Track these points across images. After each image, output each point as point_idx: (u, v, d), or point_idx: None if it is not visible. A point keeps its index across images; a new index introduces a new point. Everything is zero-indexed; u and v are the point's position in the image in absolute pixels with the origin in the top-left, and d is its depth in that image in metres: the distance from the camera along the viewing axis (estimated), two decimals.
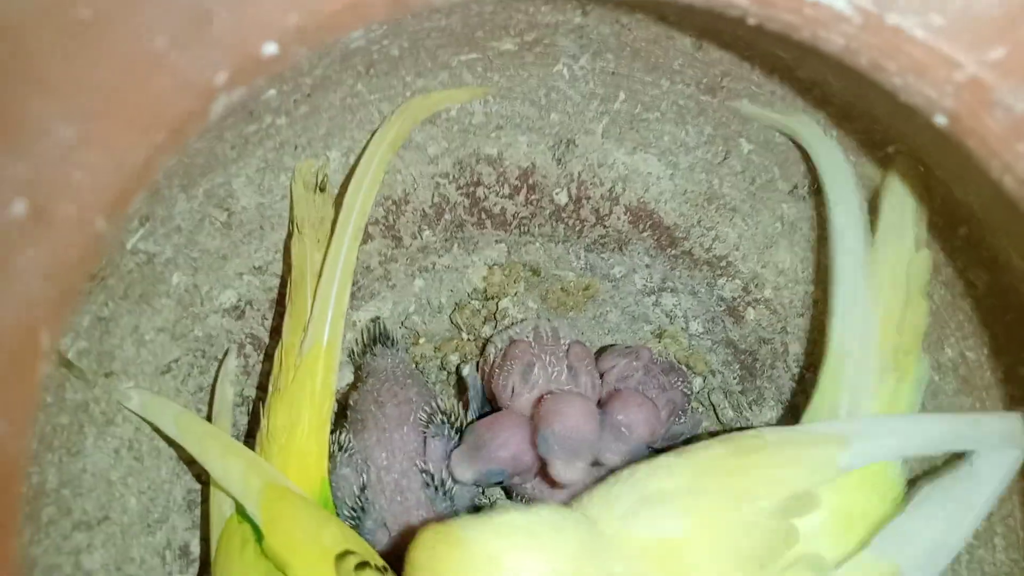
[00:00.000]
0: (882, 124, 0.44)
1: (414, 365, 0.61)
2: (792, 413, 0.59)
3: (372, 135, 0.54)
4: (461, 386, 0.61)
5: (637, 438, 0.49)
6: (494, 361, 0.57)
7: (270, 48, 0.22)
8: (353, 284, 0.61)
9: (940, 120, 0.27)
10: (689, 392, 0.58)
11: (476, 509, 0.53)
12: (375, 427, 0.51)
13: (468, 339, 0.64)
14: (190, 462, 0.52)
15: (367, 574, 0.41)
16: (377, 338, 0.58)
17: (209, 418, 0.52)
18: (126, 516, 0.48)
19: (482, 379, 0.59)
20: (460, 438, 0.52)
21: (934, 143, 0.30)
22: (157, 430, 0.48)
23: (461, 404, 0.55)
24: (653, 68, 0.53)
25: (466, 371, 0.58)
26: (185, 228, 0.50)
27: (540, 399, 0.51)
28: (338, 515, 0.49)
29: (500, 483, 0.54)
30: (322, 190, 0.52)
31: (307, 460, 0.48)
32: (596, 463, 0.49)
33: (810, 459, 0.42)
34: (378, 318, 0.60)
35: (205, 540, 0.52)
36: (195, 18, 0.21)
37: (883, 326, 0.46)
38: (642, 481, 0.41)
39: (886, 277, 0.46)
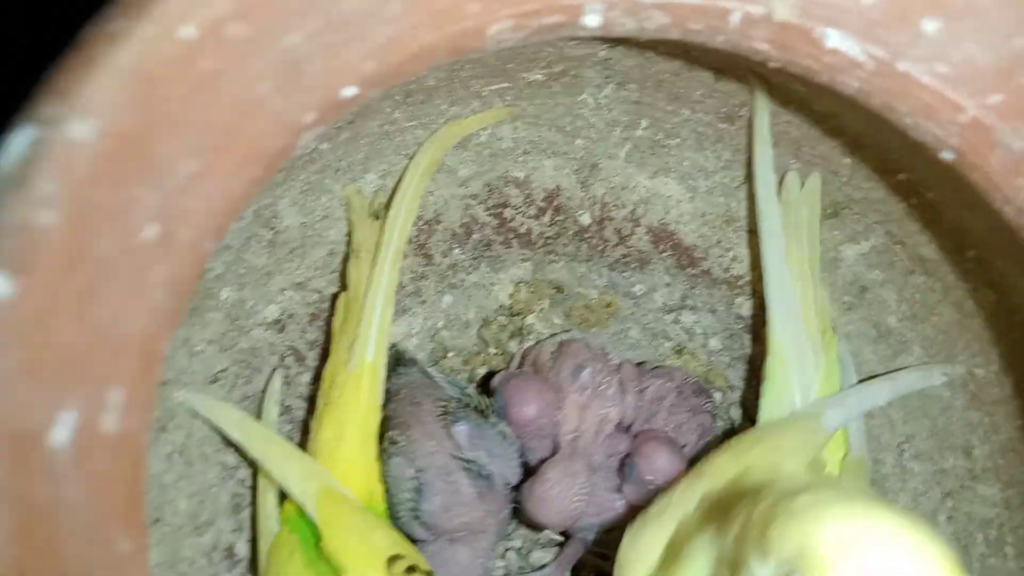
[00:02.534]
0: (894, 154, 0.47)
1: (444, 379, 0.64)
2: None
3: (409, 161, 0.57)
4: (487, 392, 0.63)
5: (662, 483, 0.52)
6: (543, 352, 0.59)
7: (350, 91, 0.25)
8: None
9: (947, 156, 0.30)
10: (715, 412, 0.60)
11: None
12: (417, 423, 0.54)
13: (495, 353, 0.67)
14: (235, 467, 0.55)
15: None
16: (397, 362, 0.61)
17: None
18: (177, 518, 0.51)
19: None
20: (483, 416, 0.55)
21: (942, 175, 0.32)
22: (217, 432, 0.52)
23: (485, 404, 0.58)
24: (675, 98, 0.56)
25: (496, 381, 0.60)
26: (234, 246, 0.53)
27: (639, 436, 0.55)
28: (395, 503, 0.52)
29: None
30: (376, 217, 0.56)
31: (355, 471, 0.51)
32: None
33: (803, 432, 0.49)
34: (393, 345, 0.64)
35: (248, 543, 0.55)
36: (291, 68, 0.24)
37: (805, 312, 0.53)
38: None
39: (797, 271, 0.54)
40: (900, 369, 0.56)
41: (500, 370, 0.67)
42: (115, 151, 0.21)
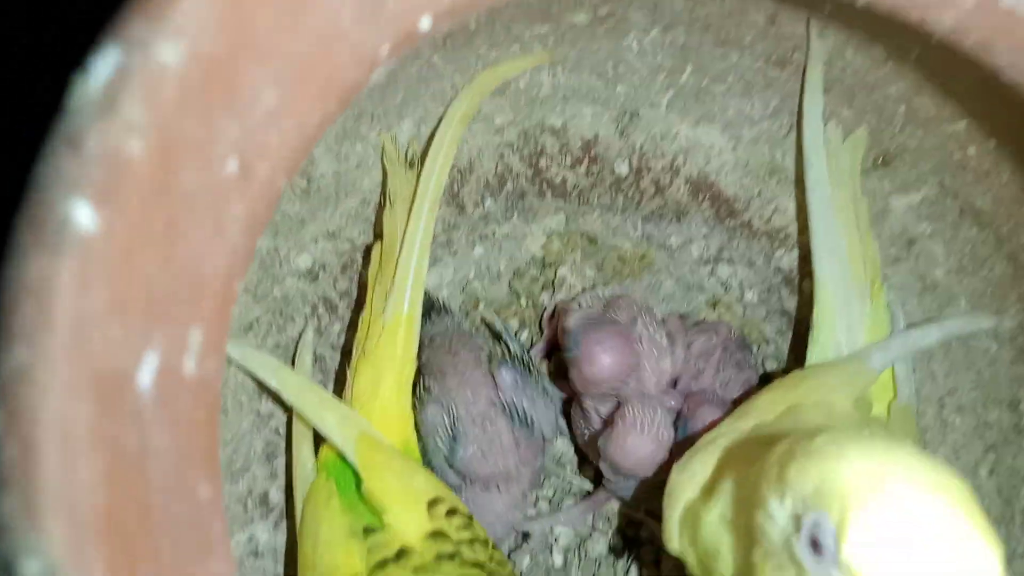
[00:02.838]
0: (961, 100, 0.45)
1: (481, 320, 0.64)
2: None
3: (446, 108, 0.55)
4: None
5: None
6: (592, 307, 0.58)
7: (426, 23, 0.24)
8: None
9: None
10: (757, 368, 0.59)
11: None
12: (454, 371, 0.54)
13: (527, 305, 0.66)
14: (269, 416, 0.55)
15: (456, 520, 0.44)
16: (430, 309, 0.60)
17: None
18: None
19: (547, 347, 0.61)
20: (528, 370, 0.54)
21: (1006, 122, 0.31)
22: (253, 380, 0.51)
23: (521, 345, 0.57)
24: (723, 41, 0.54)
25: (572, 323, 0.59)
26: None
27: (691, 398, 0.54)
28: (429, 451, 0.52)
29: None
30: (412, 166, 0.54)
31: (390, 420, 0.50)
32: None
33: (849, 370, 0.49)
34: (425, 293, 0.63)
35: (282, 490, 0.54)
36: None
37: (852, 260, 0.52)
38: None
39: (843, 220, 0.53)
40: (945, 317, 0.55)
41: (531, 325, 0.66)
42: (202, 77, 0.20)
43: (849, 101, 0.54)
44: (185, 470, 0.20)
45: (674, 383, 0.57)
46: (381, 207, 0.56)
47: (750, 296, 0.64)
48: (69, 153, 0.18)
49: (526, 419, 0.52)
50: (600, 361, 0.51)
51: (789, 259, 0.61)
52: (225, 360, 0.22)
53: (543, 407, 0.53)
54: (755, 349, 0.64)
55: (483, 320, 0.62)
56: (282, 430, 0.55)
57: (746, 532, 0.36)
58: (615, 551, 0.59)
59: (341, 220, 0.57)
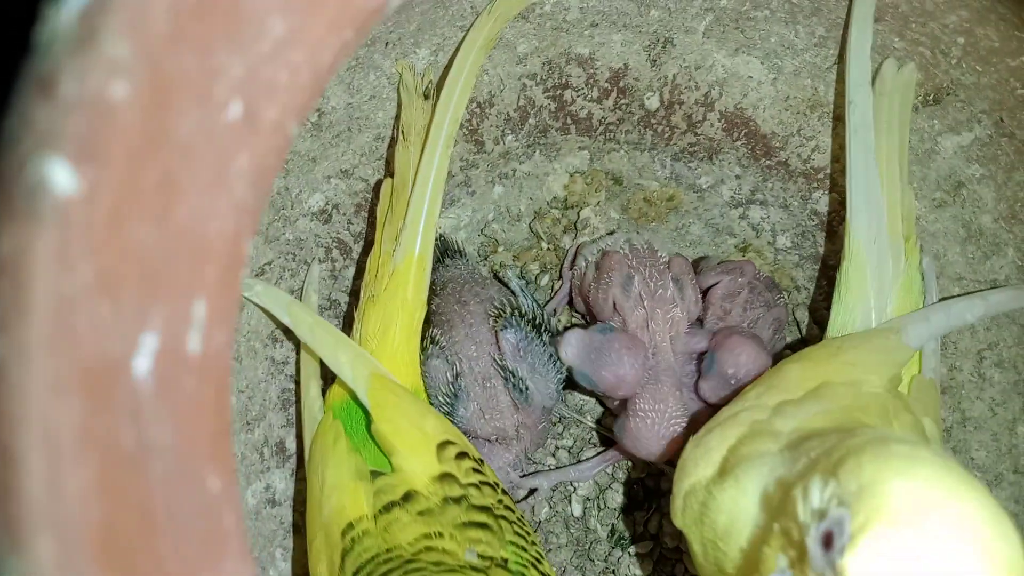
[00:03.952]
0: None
1: (493, 274, 0.61)
2: None
3: (465, 34, 0.51)
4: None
5: (743, 381, 0.49)
6: (586, 274, 0.56)
7: None
8: None
9: None
10: (788, 308, 0.57)
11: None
12: (461, 324, 0.52)
13: (548, 248, 0.63)
14: (283, 363, 0.53)
15: (466, 463, 0.42)
16: (445, 252, 0.58)
17: None
18: None
19: (570, 293, 0.58)
20: (537, 332, 0.52)
21: None
22: (268, 316, 0.49)
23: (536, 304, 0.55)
24: None
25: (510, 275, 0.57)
26: None
27: (719, 332, 0.52)
28: (431, 403, 0.50)
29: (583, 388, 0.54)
30: (427, 97, 0.50)
31: (399, 365, 0.49)
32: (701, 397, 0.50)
33: (884, 347, 0.46)
34: (441, 235, 0.60)
35: (299, 437, 0.53)
36: None
37: (891, 215, 0.49)
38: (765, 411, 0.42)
39: (885, 170, 0.49)
40: (991, 288, 0.52)
41: (551, 269, 0.63)
42: (197, 4, 0.17)
43: (902, 31, 0.50)
44: (192, 464, 0.18)
45: (700, 323, 0.54)
46: (394, 141, 0.53)
47: (782, 241, 0.61)
48: (41, 100, 0.15)
49: (522, 386, 0.50)
50: (617, 386, 0.50)
51: (826, 201, 0.58)
52: (234, 331, 0.20)
53: (544, 373, 0.51)
54: (786, 296, 0.62)
55: (495, 275, 0.59)
56: (297, 377, 0.53)
57: (765, 508, 0.35)
58: (634, 501, 0.58)
59: (354, 157, 0.54)
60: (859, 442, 0.32)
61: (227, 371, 0.20)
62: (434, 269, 0.58)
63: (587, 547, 0.57)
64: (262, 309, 0.50)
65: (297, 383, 0.52)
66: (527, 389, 0.51)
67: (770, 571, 0.31)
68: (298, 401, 0.52)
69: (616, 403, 0.54)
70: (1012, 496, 0.52)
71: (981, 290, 0.52)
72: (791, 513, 0.31)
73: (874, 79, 0.50)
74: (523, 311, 0.51)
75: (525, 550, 0.38)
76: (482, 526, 0.38)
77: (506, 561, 0.36)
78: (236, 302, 0.20)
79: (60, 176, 0.15)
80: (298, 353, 0.52)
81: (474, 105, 0.57)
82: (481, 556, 0.36)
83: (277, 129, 0.20)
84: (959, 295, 0.52)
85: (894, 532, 0.26)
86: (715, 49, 0.55)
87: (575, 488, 0.58)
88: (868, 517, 0.27)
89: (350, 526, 0.39)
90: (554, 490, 0.58)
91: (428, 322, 0.56)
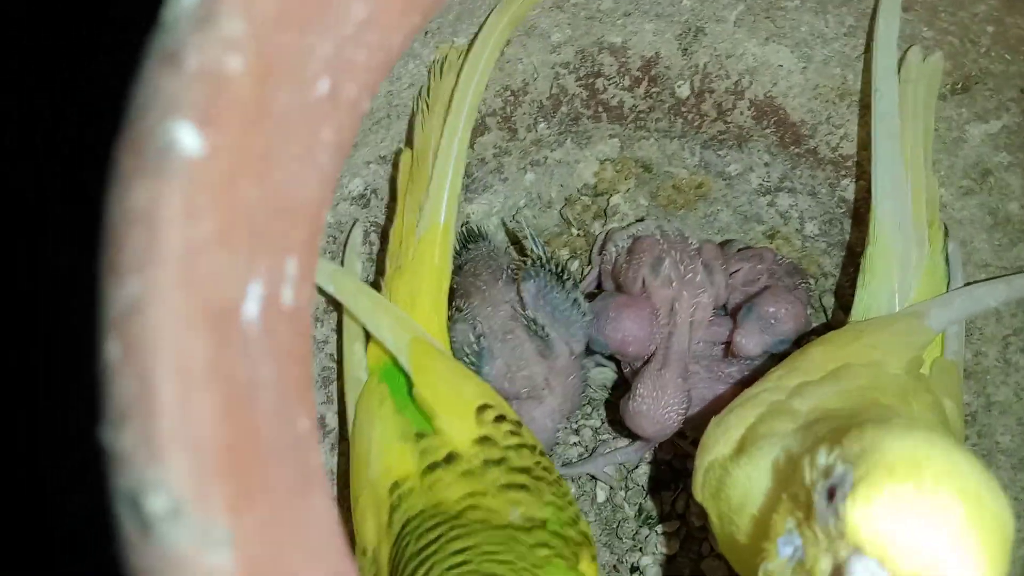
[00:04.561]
0: None
1: (505, 249, 0.63)
2: None
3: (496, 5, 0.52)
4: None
5: (782, 333, 0.50)
6: (617, 258, 0.57)
7: None
8: (467, 176, 0.61)
9: None
10: (811, 292, 0.58)
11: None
12: (476, 291, 0.54)
13: (578, 235, 0.64)
14: (324, 342, 0.55)
15: (504, 426, 0.44)
16: (468, 238, 0.60)
17: None
18: None
19: (599, 278, 0.60)
20: (557, 278, 0.54)
21: None
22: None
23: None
24: None
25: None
26: None
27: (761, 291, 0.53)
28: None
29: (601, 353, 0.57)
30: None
31: (430, 332, 0.49)
32: (735, 353, 0.51)
33: (906, 330, 0.47)
34: (466, 222, 0.61)
35: (337, 414, 0.55)
36: None
37: (916, 200, 0.50)
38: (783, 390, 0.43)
39: (910, 156, 0.50)
40: (1016, 273, 0.52)
41: (581, 255, 0.65)
42: None
43: (931, 20, 0.50)
44: (288, 403, 0.20)
45: (726, 311, 0.56)
46: (413, 116, 0.53)
47: (810, 228, 0.62)
48: (169, 71, 0.17)
49: (543, 333, 0.52)
50: (624, 343, 0.53)
51: (854, 189, 0.59)
52: (315, 290, 0.22)
53: (567, 320, 0.53)
54: (813, 283, 0.63)
55: (506, 229, 0.60)
56: (337, 355, 0.55)
57: (776, 481, 0.36)
58: (661, 481, 0.59)
59: (393, 144, 0.56)
60: (863, 419, 0.33)
61: (309, 325, 0.22)
62: (457, 254, 0.60)
63: (615, 526, 0.58)
64: None
65: (339, 360, 0.54)
66: (548, 336, 0.52)
67: (779, 534, 0.32)
68: (339, 371, 0.54)
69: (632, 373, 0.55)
70: None
71: (1006, 275, 0.53)
72: (799, 480, 0.32)
73: (899, 67, 0.51)
74: (544, 261, 0.53)
75: (563, 510, 0.40)
76: (521, 487, 0.39)
77: (545, 522, 0.38)
78: (315, 264, 0.22)
79: (187, 138, 0.17)
80: (339, 332, 0.54)
81: (508, 93, 0.58)
82: (524, 517, 0.37)
83: (355, 105, 0.21)
84: (983, 280, 0.53)
85: (892, 481, 0.28)
86: (746, 38, 0.56)
87: (603, 468, 0.59)
88: (868, 470, 0.29)
89: (396, 484, 0.41)
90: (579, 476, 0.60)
91: (451, 299, 0.57)
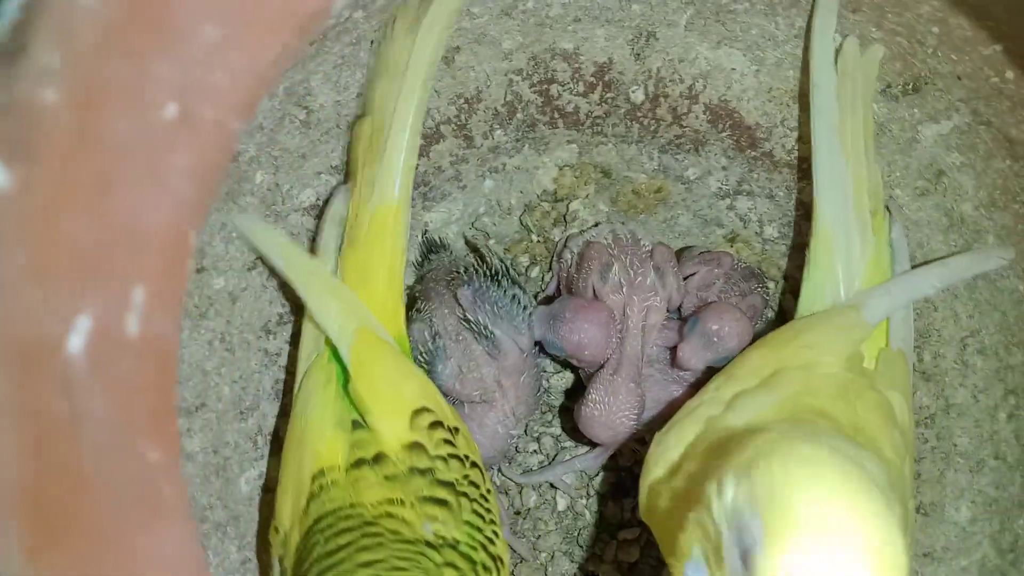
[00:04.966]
0: (999, 18, 0.41)
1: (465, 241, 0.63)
2: None
3: None
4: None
5: (724, 350, 0.50)
6: (571, 265, 0.57)
7: None
8: (425, 185, 0.61)
9: None
10: (767, 296, 0.58)
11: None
12: (435, 295, 0.55)
13: (538, 241, 0.64)
14: (277, 354, 0.55)
15: (439, 434, 0.43)
16: (429, 248, 0.60)
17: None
18: (221, 403, 0.51)
19: (559, 285, 0.60)
20: (493, 280, 0.54)
21: None
22: (251, 251, 0.48)
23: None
24: None
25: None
26: (267, 127, 0.50)
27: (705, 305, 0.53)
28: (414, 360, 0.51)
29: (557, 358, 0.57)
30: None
31: (384, 312, 0.48)
32: (679, 365, 0.51)
33: (841, 326, 0.46)
34: (425, 231, 0.61)
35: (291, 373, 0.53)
36: None
37: (857, 191, 0.50)
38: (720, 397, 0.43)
39: (850, 148, 0.50)
40: (952, 255, 0.52)
41: (542, 261, 0.64)
42: (125, 16, 0.18)
43: (879, 21, 0.50)
44: (128, 435, 0.20)
45: (680, 314, 0.55)
46: (372, 77, 0.51)
47: (770, 231, 0.62)
48: None
49: (487, 332, 0.52)
50: (580, 345, 0.53)
51: (811, 191, 0.58)
52: (179, 316, 0.21)
53: (508, 316, 0.53)
54: (773, 286, 0.62)
55: (465, 239, 0.60)
56: (291, 367, 0.55)
57: (683, 477, 0.36)
58: (622, 488, 0.59)
59: (344, 153, 0.56)
60: (768, 444, 0.33)
61: (171, 354, 0.22)
62: (419, 265, 0.60)
63: (576, 533, 0.58)
64: (253, 250, 0.48)
65: (290, 372, 0.54)
66: (493, 335, 0.53)
67: (685, 556, 0.32)
68: (290, 391, 0.53)
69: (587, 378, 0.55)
70: (993, 482, 0.52)
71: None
72: (706, 505, 0.32)
73: (837, 60, 0.51)
74: (476, 268, 0.53)
75: (480, 530, 0.39)
76: (442, 503, 0.39)
77: (457, 542, 0.38)
78: (180, 289, 0.22)
79: None
80: (293, 345, 0.54)
81: (462, 101, 0.58)
82: (436, 535, 0.37)
83: (218, 127, 0.21)
84: (921, 263, 0.52)
85: (800, 541, 0.29)
86: (697, 42, 0.56)
87: (563, 478, 0.59)
88: (778, 530, 0.29)
89: (321, 472, 0.40)
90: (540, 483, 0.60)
91: (412, 303, 0.58)
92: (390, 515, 0.38)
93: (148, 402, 0.21)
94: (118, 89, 0.19)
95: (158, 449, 0.21)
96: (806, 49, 0.52)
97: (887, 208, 0.52)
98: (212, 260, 0.50)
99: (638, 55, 0.57)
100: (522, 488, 0.60)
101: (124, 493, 0.20)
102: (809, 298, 0.50)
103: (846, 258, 0.49)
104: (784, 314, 0.62)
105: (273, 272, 0.54)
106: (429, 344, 0.53)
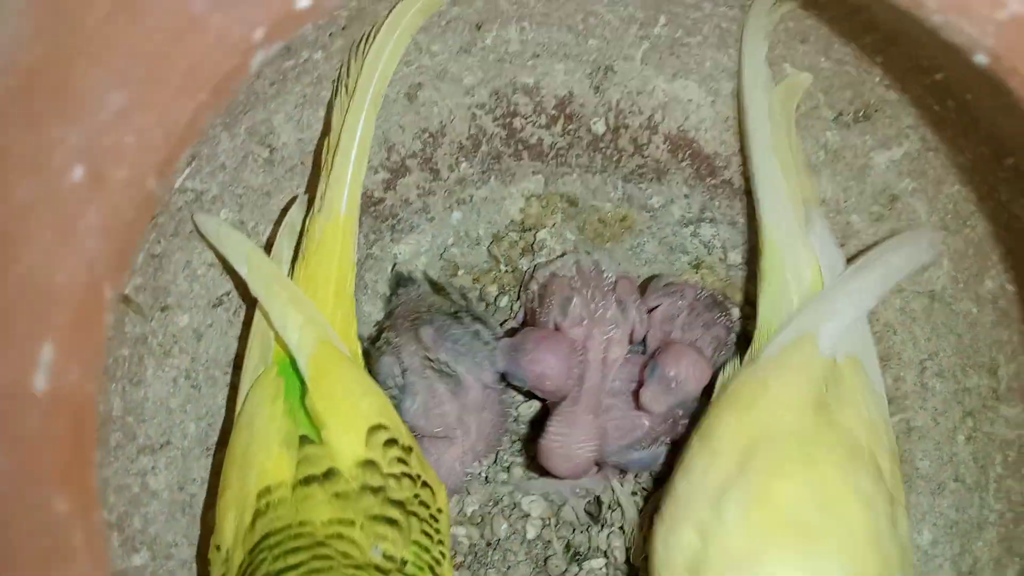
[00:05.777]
0: (929, 52, 0.42)
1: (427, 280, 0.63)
2: None
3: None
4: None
5: (684, 393, 0.51)
6: (534, 299, 0.58)
7: (303, 2, 0.23)
8: (393, 217, 0.62)
9: (981, 60, 0.27)
10: (731, 324, 0.58)
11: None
12: (404, 330, 0.55)
13: (506, 271, 0.65)
14: None
15: (393, 451, 0.43)
16: (399, 282, 0.61)
17: None
18: (186, 441, 0.52)
19: (526, 316, 0.61)
20: (453, 318, 0.55)
21: (977, 79, 0.29)
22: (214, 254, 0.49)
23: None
24: None
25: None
26: (229, 166, 0.51)
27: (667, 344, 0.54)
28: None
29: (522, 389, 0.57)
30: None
31: (334, 327, 0.48)
32: (642, 408, 0.52)
33: (802, 369, 0.46)
34: (394, 265, 0.62)
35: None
36: None
37: (795, 203, 0.51)
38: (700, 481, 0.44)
39: (783, 161, 0.51)
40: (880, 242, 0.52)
41: (510, 290, 0.65)
42: (24, 87, 0.19)
43: (826, 51, 0.51)
44: (35, 488, 0.20)
45: (644, 347, 0.56)
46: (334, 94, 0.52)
47: (733, 257, 0.62)
48: None
49: (448, 370, 0.53)
50: (542, 376, 0.53)
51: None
52: (99, 368, 0.22)
53: (470, 353, 0.53)
54: (738, 311, 0.63)
55: (425, 276, 0.61)
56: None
57: None
58: (591, 515, 0.59)
59: (308, 190, 0.57)
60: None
61: (87, 406, 0.23)
62: (388, 300, 0.61)
63: (543, 562, 0.58)
64: (216, 252, 0.48)
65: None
66: (455, 372, 0.53)
67: None
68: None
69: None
70: (954, 504, 0.52)
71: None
72: None
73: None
74: (435, 305, 0.54)
75: (428, 550, 0.39)
76: (391, 522, 0.39)
77: (405, 563, 0.38)
78: (97, 342, 0.23)
79: None
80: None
81: (426, 135, 0.59)
82: (386, 556, 0.37)
83: (132, 186, 0.22)
84: (857, 265, 0.51)
85: None
86: (654, 75, 0.57)
87: (530, 505, 0.59)
88: None
89: (267, 490, 0.40)
90: (514, 507, 0.60)
91: (382, 333, 0.58)
92: (340, 536, 0.38)
93: (58, 455, 0.21)
94: (19, 155, 0.20)
95: (68, 500, 0.22)
96: (738, 72, 0.53)
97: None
98: (176, 298, 0.51)
99: (597, 88, 0.58)
100: (493, 518, 0.60)
101: (30, 542, 0.20)
102: (768, 311, 0.50)
103: (794, 265, 0.50)
104: (748, 339, 0.63)
105: (239, 310, 0.55)
106: (399, 378, 0.53)
